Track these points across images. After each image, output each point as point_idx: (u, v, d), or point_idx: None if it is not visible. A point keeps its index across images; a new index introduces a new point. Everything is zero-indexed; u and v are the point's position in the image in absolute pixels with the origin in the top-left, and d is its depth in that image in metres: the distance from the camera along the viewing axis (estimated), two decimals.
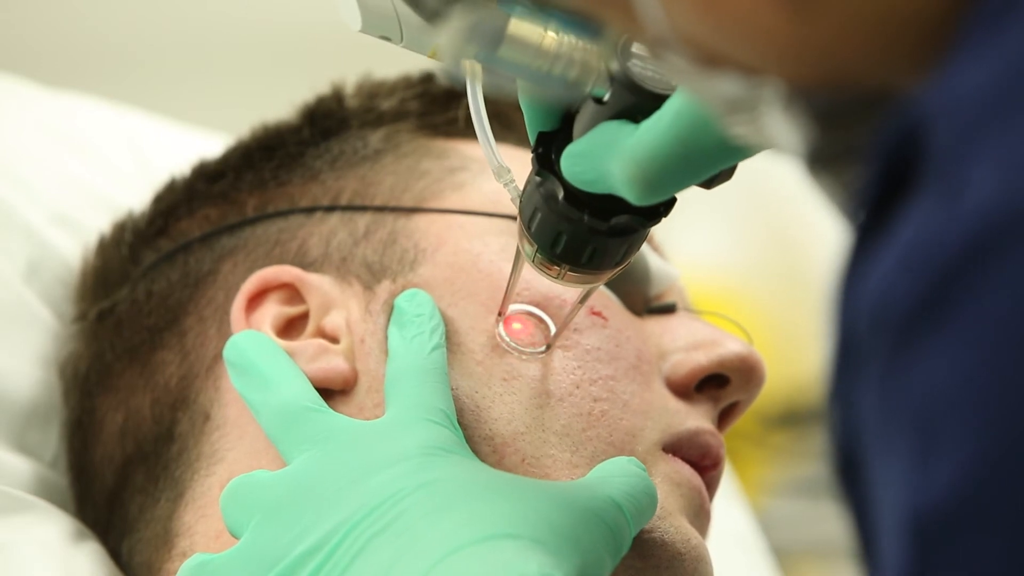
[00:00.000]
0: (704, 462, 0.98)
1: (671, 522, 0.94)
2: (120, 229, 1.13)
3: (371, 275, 1.01)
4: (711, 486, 0.98)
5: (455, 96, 1.11)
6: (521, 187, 0.89)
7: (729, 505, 1.43)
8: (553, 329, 0.97)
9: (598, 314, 0.98)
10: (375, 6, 0.87)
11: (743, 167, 0.81)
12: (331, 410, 0.93)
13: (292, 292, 1.01)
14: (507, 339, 0.96)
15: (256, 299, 1.01)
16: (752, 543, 1.46)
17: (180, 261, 1.07)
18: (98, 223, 1.17)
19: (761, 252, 2.58)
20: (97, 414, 1.08)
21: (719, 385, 1.00)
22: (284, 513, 0.88)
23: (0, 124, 1.29)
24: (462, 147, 1.08)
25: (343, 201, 1.05)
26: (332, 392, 0.97)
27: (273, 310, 1.00)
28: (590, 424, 0.95)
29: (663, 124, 0.76)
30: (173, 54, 2.47)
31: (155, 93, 2.32)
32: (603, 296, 0.99)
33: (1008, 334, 0.50)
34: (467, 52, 0.74)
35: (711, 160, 0.77)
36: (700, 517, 0.97)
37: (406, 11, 0.85)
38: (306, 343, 0.98)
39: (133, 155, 1.32)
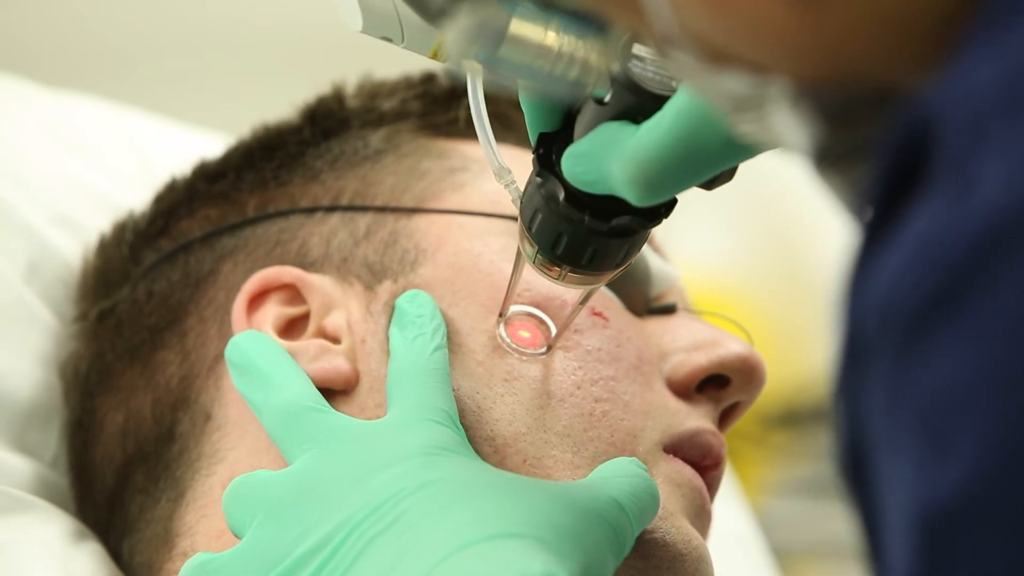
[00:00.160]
0: (705, 462, 0.98)
1: (672, 523, 0.94)
2: (121, 229, 1.13)
3: (372, 275, 1.01)
4: (712, 486, 0.98)
5: (456, 96, 1.11)
6: (522, 188, 0.89)
7: (729, 505, 1.43)
8: (554, 330, 0.97)
9: (599, 315, 0.98)
10: (376, 7, 0.87)
11: (743, 168, 0.81)
12: (333, 410, 0.93)
13: (293, 292, 1.01)
14: (508, 340, 0.96)
15: (257, 299, 1.01)
16: (752, 543, 1.46)
17: (181, 261, 1.07)
18: (98, 223, 1.17)
19: (761, 252, 2.58)
20: (98, 414, 1.08)
21: (720, 386, 1.00)
22: (286, 512, 0.88)
23: (0, 124, 1.29)
24: (463, 147, 1.08)
25: (344, 201, 1.05)
26: (333, 392, 0.97)
27: (274, 310, 1.00)
28: (591, 425, 0.95)
29: (664, 125, 0.76)
30: (173, 54, 2.47)
31: (155, 93, 2.32)
32: (604, 297, 0.99)
33: (1018, 331, 0.50)
34: (470, 52, 0.74)
35: (712, 161, 0.77)
36: (701, 517, 0.97)
37: (407, 12, 0.85)
38: (307, 343, 0.98)
39: (133, 155, 1.32)
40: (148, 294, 1.08)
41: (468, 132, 1.09)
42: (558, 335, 0.96)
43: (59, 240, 1.20)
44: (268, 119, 1.13)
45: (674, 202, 0.86)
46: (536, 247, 0.88)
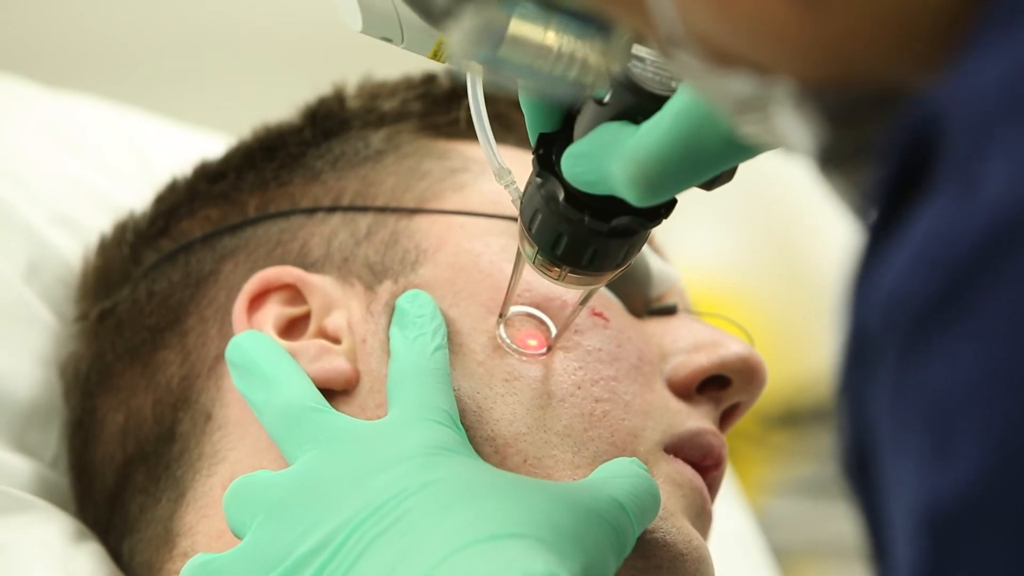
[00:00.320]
0: (706, 463, 0.98)
1: (673, 523, 0.94)
2: (121, 229, 1.13)
3: (372, 275, 1.01)
4: (713, 487, 0.98)
5: (456, 97, 1.11)
6: (522, 188, 0.89)
7: (729, 505, 1.43)
8: (554, 331, 0.97)
9: (599, 315, 0.98)
10: (376, 7, 0.87)
11: (743, 168, 0.81)
12: (333, 410, 0.93)
13: (294, 293, 1.01)
14: (508, 341, 0.96)
15: (258, 299, 1.01)
16: (752, 543, 1.46)
17: (181, 261, 1.07)
18: (98, 223, 1.17)
19: (761, 252, 2.58)
20: (98, 414, 1.08)
21: (720, 386, 1.00)
22: (287, 513, 0.88)
23: (0, 124, 1.29)
24: (463, 148, 1.08)
25: (345, 202, 1.05)
26: (334, 392, 0.97)
27: (275, 310, 1.00)
28: (592, 425, 0.95)
29: (664, 125, 0.76)
30: (174, 54, 2.47)
31: (156, 93, 2.32)
32: (604, 297, 0.99)
33: (1021, 332, 0.50)
34: (475, 53, 0.74)
35: (712, 161, 0.77)
36: (702, 518, 0.97)
37: (407, 12, 0.85)
38: (308, 343, 0.98)
39: (134, 155, 1.32)
40: (149, 294, 1.08)
41: (469, 133, 1.09)
42: (558, 336, 0.97)
43: (59, 240, 1.20)
44: (268, 119, 1.13)
45: (674, 202, 0.86)
46: (536, 247, 0.88)
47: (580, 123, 0.84)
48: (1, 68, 1.41)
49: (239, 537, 0.90)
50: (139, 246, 1.10)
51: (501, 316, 0.96)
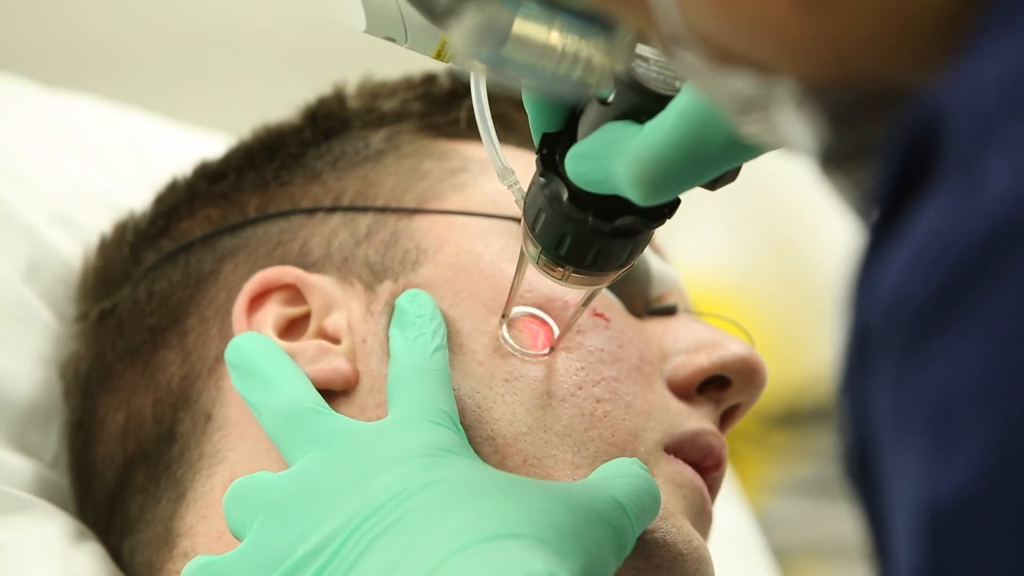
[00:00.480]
0: (706, 463, 0.98)
1: (673, 523, 0.94)
2: (121, 229, 1.13)
3: (372, 276, 1.01)
4: (713, 487, 0.98)
5: (457, 97, 1.11)
6: (525, 188, 0.89)
7: (729, 506, 1.43)
8: (556, 331, 0.97)
9: (600, 316, 0.98)
10: (380, 7, 0.86)
11: (744, 168, 0.81)
12: (333, 411, 0.93)
13: (294, 293, 1.01)
14: (510, 341, 0.96)
15: (258, 300, 1.01)
16: (752, 543, 1.46)
17: (181, 261, 1.07)
18: (98, 223, 1.17)
19: (761, 252, 2.58)
20: (98, 414, 1.08)
21: (721, 387, 1.00)
22: (287, 514, 0.88)
23: (0, 124, 1.29)
24: (464, 148, 1.08)
25: (345, 202, 1.05)
26: (334, 393, 0.97)
27: (275, 311, 1.00)
28: (592, 425, 0.95)
29: (667, 124, 0.76)
30: (174, 54, 2.47)
31: (156, 93, 2.32)
32: (605, 298, 0.99)
33: (1022, 331, 0.50)
34: (478, 52, 0.74)
35: (715, 160, 0.77)
36: (702, 518, 0.97)
37: (411, 12, 0.85)
38: (307, 344, 0.98)
39: (134, 155, 1.32)
40: (149, 294, 1.08)
41: (469, 133, 1.09)
42: (561, 336, 0.96)
43: (59, 240, 1.20)
44: (268, 119, 1.13)
45: (677, 202, 0.86)
46: (539, 247, 0.88)
47: (584, 123, 0.84)
48: (1, 68, 1.41)
49: (239, 538, 0.90)
50: (139, 246, 1.10)
51: (504, 316, 0.96)
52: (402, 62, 1.11)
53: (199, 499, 1.00)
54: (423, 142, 1.09)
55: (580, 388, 0.96)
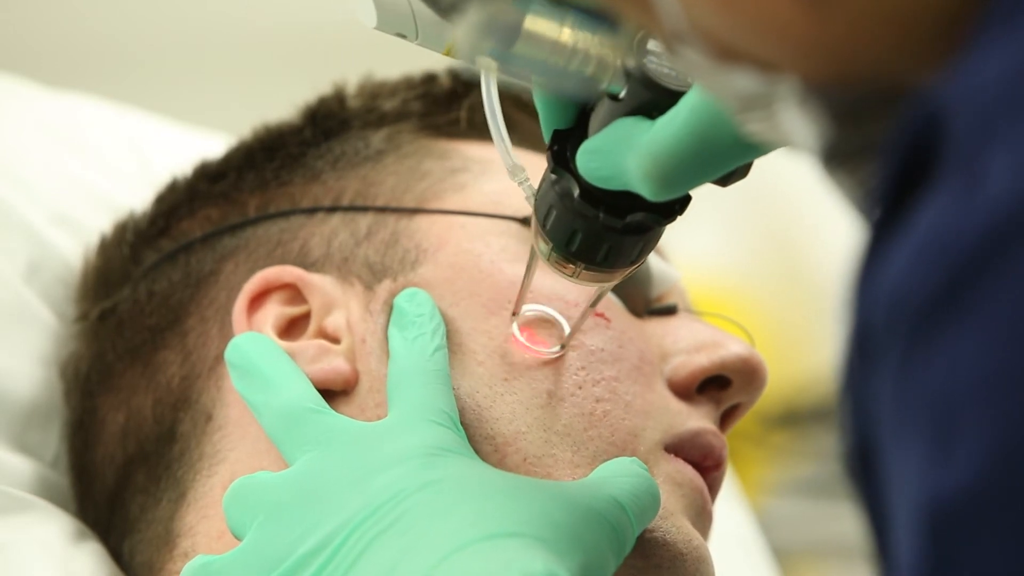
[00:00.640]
0: (706, 463, 0.98)
1: (673, 522, 0.94)
2: (121, 229, 1.13)
3: (372, 275, 1.01)
4: (713, 487, 0.98)
5: (457, 97, 1.11)
6: (535, 185, 0.89)
7: (729, 505, 1.43)
8: (567, 329, 0.97)
9: (600, 315, 0.98)
10: (390, 3, 0.86)
11: None
12: (333, 411, 0.93)
13: (294, 292, 1.01)
14: (522, 339, 0.96)
15: (258, 299, 1.01)
16: (752, 543, 1.46)
17: (182, 261, 1.07)
18: (98, 223, 1.17)
19: (761, 252, 2.58)
20: (98, 414, 1.08)
21: (721, 387, 1.00)
22: (287, 514, 0.88)
23: (0, 124, 1.29)
24: (464, 148, 1.08)
25: (345, 201, 1.05)
26: (333, 393, 0.97)
27: (275, 311, 1.00)
28: (592, 424, 0.95)
29: (679, 120, 0.76)
30: (173, 54, 2.47)
31: (155, 93, 2.32)
32: (605, 298, 0.99)
33: (1022, 329, 0.50)
34: (483, 47, 0.74)
35: (727, 156, 0.77)
36: (702, 518, 0.97)
37: (421, 8, 0.85)
38: (307, 344, 0.98)
39: (133, 155, 1.32)
40: (149, 294, 1.08)
41: (469, 132, 1.09)
42: (571, 334, 0.96)
43: (59, 240, 1.20)
44: (268, 119, 1.13)
45: (688, 199, 0.86)
46: (550, 244, 0.88)
47: (595, 119, 0.84)
48: (1, 68, 1.41)
49: (239, 538, 0.90)
50: (139, 246, 1.10)
51: (515, 315, 0.96)
52: (402, 62, 1.11)
53: (199, 499, 1.00)
54: (423, 142, 1.08)
55: (580, 387, 0.96)
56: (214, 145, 1.22)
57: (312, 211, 1.05)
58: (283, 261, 1.04)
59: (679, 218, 0.87)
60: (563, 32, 0.76)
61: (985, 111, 0.52)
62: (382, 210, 1.04)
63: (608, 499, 0.88)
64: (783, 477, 2.44)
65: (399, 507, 0.85)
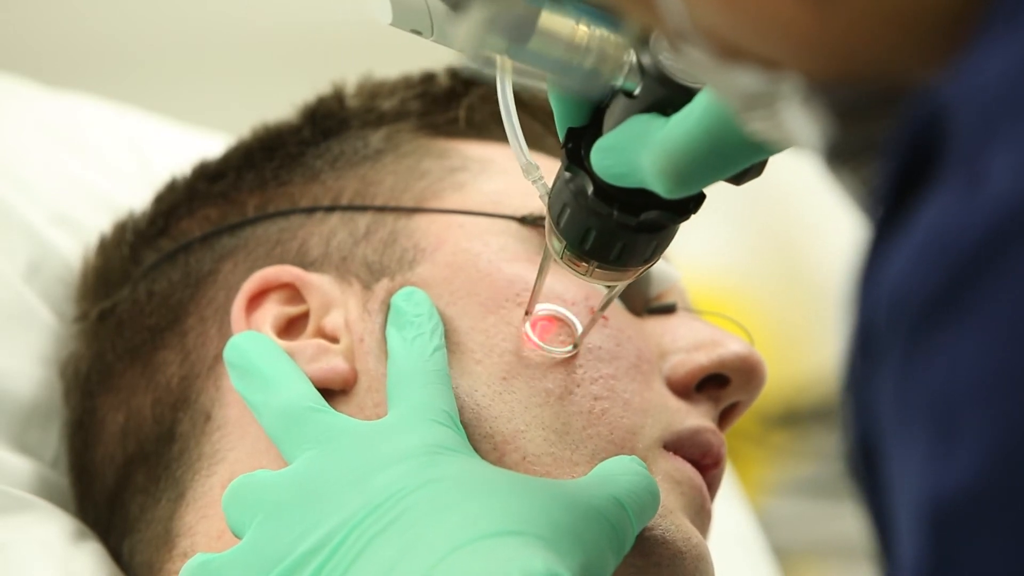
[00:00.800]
0: (705, 461, 0.98)
1: (672, 520, 0.94)
2: (121, 229, 1.13)
3: (371, 275, 1.01)
4: (712, 485, 0.98)
5: (456, 96, 1.11)
6: (550, 184, 0.89)
7: (729, 505, 1.43)
8: (579, 328, 0.97)
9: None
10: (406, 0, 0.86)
11: None
12: (332, 410, 0.93)
13: (293, 292, 1.01)
14: (535, 339, 0.96)
15: (257, 299, 1.01)
16: (752, 543, 1.46)
17: (181, 261, 1.07)
18: (98, 223, 1.17)
19: (761, 252, 2.58)
20: (98, 414, 1.08)
21: (720, 385, 1.00)
22: (287, 512, 0.88)
23: (0, 124, 1.29)
24: (463, 147, 1.08)
25: (344, 201, 1.05)
26: (332, 392, 0.97)
27: (274, 310, 1.00)
28: (590, 422, 0.95)
29: (694, 117, 0.76)
30: (173, 54, 2.47)
31: (155, 93, 2.32)
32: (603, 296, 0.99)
33: (1022, 328, 0.50)
34: (488, 43, 0.74)
35: (741, 154, 0.77)
36: (701, 516, 0.97)
37: (437, 4, 0.85)
38: (306, 343, 0.98)
39: (133, 155, 1.32)
40: (148, 294, 1.08)
41: (468, 132, 1.09)
42: (584, 333, 0.96)
43: (59, 240, 1.20)
44: (268, 119, 1.13)
45: (703, 197, 0.86)
46: (564, 242, 0.88)
47: (610, 116, 0.84)
48: (1, 68, 1.41)
49: (238, 537, 0.90)
50: (139, 246, 1.10)
51: (528, 314, 0.96)
52: (401, 61, 1.11)
53: (199, 499, 1.00)
54: (422, 141, 1.08)
55: (578, 386, 0.96)
56: (214, 145, 1.22)
57: (311, 211, 1.05)
58: (282, 261, 1.04)
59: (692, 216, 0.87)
60: (578, 29, 0.76)
61: (987, 110, 0.52)
62: (381, 209, 1.04)
63: (608, 497, 0.88)
64: (783, 477, 2.44)
65: (399, 506, 0.85)
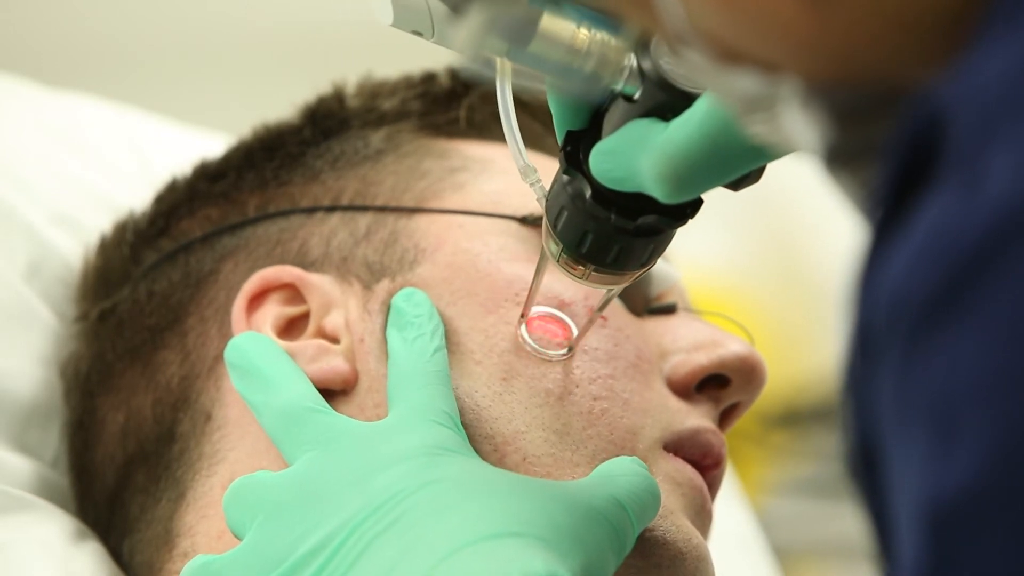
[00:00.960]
0: (705, 461, 0.98)
1: (672, 521, 0.94)
2: (121, 229, 1.13)
3: (371, 275, 1.01)
4: (713, 486, 0.98)
5: (456, 96, 1.11)
6: (547, 186, 0.89)
7: (729, 505, 1.43)
8: (575, 331, 0.97)
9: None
10: (407, 1, 0.86)
11: None
12: (333, 411, 0.93)
13: (293, 292, 1.01)
14: (530, 341, 0.96)
15: (257, 299, 1.01)
16: (752, 543, 1.46)
17: (181, 261, 1.07)
18: (98, 223, 1.17)
19: (761, 252, 2.58)
20: (98, 414, 1.08)
21: (720, 385, 1.00)
22: (287, 513, 0.88)
23: (0, 124, 1.29)
24: (463, 147, 1.08)
25: (344, 201, 1.05)
26: (332, 392, 0.97)
27: (274, 310, 1.00)
28: (590, 423, 0.95)
29: (694, 122, 0.76)
30: (173, 54, 2.47)
31: (155, 93, 2.32)
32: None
33: (1022, 328, 0.50)
34: (488, 45, 0.74)
35: (741, 159, 0.77)
36: (701, 517, 0.97)
37: (437, 5, 0.85)
38: (306, 343, 0.98)
39: (134, 155, 1.32)
40: (149, 294, 1.08)
41: (468, 132, 1.09)
42: (580, 336, 0.96)
43: (59, 240, 1.20)
44: (268, 119, 1.13)
45: (700, 202, 0.86)
46: (561, 245, 0.88)
47: (609, 120, 0.84)
48: (1, 68, 1.41)
49: (239, 538, 0.90)
50: (139, 246, 1.10)
51: (523, 316, 0.96)
52: (402, 61, 1.11)
53: (199, 499, 1.00)
54: (422, 141, 1.08)
55: (577, 386, 0.96)
56: (214, 145, 1.22)
57: (311, 211, 1.05)
58: (282, 261, 1.04)
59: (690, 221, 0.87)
60: (578, 33, 0.76)
61: (986, 111, 0.52)
62: (381, 209, 1.04)
63: (608, 498, 0.88)
64: (783, 477, 2.44)
65: (399, 507, 0.85)
